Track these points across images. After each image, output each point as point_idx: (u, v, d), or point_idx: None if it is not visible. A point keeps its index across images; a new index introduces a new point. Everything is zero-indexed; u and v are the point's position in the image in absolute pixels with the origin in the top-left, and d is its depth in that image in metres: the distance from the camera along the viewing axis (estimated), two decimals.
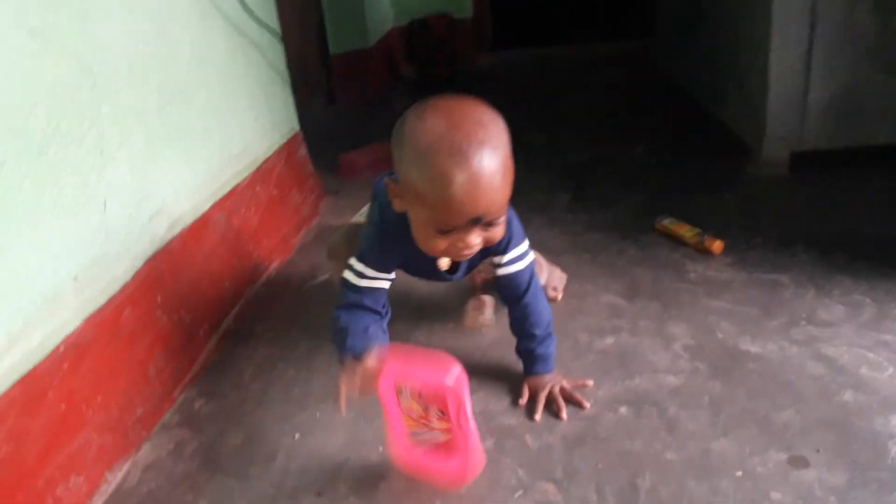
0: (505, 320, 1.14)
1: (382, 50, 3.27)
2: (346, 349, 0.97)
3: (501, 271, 1.07)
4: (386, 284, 1.06)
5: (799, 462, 0.91)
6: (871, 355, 1.12)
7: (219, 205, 1.47)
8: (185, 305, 1.26)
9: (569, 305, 1.33)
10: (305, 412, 1.10)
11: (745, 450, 0.94)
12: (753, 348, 1.16)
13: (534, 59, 3.84)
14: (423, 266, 1.09)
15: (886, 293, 1.28)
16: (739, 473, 0.90)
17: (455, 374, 0.86)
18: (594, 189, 1.94)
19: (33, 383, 0.91)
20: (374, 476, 0.95)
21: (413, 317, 1.34)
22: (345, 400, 0.92)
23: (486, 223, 0.88)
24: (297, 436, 1.05)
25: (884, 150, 1.86)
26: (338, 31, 2.92)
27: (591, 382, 1.10)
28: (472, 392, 1.10)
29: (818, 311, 1.25)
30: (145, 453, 1.04)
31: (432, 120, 0.85)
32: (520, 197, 0.99)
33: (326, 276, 1.54)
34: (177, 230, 1.31)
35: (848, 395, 1.03)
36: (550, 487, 0.91)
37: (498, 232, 0.92)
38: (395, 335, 1.08)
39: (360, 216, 1.32)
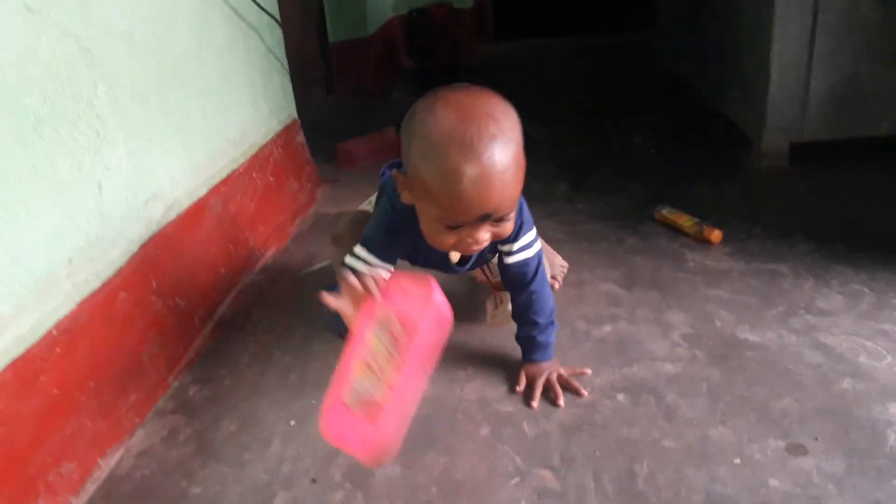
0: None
1: (382, 39, 3.25)
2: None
3: (511, 259, 1.05)
4: (385, 274, 1.05)
5: (797, 449, 0.91)
6: (869, 344, 1.11)
7: (215, 190, 1.46)
8: (181, 291, 1.25)
9: (567, 294, 1.32)
10: (301, 399, 1.09)
11: (744, 437, 0.93)
12: (752, 337, 1.16)
13: (534, 50, 3.82)
14: (430, 257, 1.07)
15: (886, 283, 1.28)
16: (738, 461, 0.89)
17: (440, 301, 0.79)
18: (593, 179, 1.94)
19: (25, 367, 0.90)
20: None
21: None
22: (332, 300, 0.85)
23: (497, 219, 0.87)
24: (292, 423, 1.04)
25: (884, 141, 1.85)
26: (337, 19, 2.90)
27: (588, 371, 1.09)
28: (469, 379, 1.11)
29: (817, 300, 1.25)
30: (139, 440, 1.04)
31: (443, 112, 0.82)
32: None
33: (323, 263, 1.53)
34: (172, 215, 1.30)
35: (846, 384, 1.03)
36: (548, 474, 0.90)
37: (508, 227, 0.91)
38: None
39: (368, 204, 1.31)
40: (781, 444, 0.92)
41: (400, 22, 3.51)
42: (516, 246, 1.04)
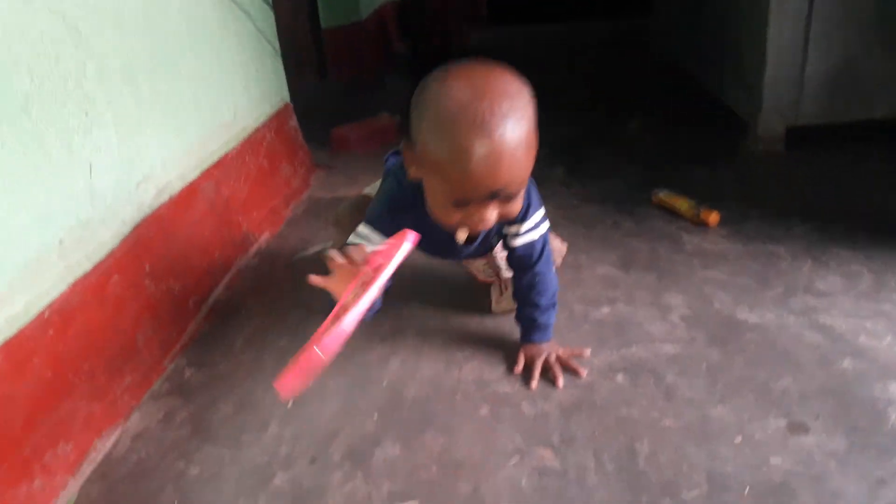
0: None
1: (375, 24, 3.22)
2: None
3: (517, 242, 1.04)
4: (373, 247, 1.03)
5: (798, 428, 0.90)
6: (869, 324, 1.11)
7: (207, 174, 1.44)
8: (174, 274, 1.23)
9: (564, 277, 1.31)
10: None
11: (744, 416, 0.93)
12: (751, 318, 1.15)
13: (529, 36, 3.80)
14: (435, 237, 1.05)
15: (884, 263, 1.28)
16: (739, 439, 0.89)
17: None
18: (589, 163, 1.93)
19: (18, 349, 0.89)
20: (368, 442, 0.93)
21: (406, 293, 1.31)
22: (319, 280, 0.81)
23: (504, 197, 0.85)
24: (290, 404, 1.03)
25: (881, 125, 1.85)
26: (329, 4, 2.87)
27: (587, 351, 1.08)
28: (467, 360, 1.10)
29: (815, 281, 1.25)
30: (135, 422, 1.02)
31: (456, 87, 0.80)
32: None
33: (318, 248, 1.51)
34: (165, 198, 1.28)
35: (847, 363, 1.02)
36: (547, 453, 0.89)
37: (515, 207, 0.89)
38: (386, 308, 1.05)
39: (370, 189, 1.29)
40: (782, 422, 0.92)
41: (393, 7, 3.49)
42: (524, 227, 1.02)
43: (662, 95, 2.55)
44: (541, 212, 1.04)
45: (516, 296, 1.09)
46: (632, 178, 1.78)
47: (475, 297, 1.25)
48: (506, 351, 1.11)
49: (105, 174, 1.12)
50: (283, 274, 1.44)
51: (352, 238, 1.02)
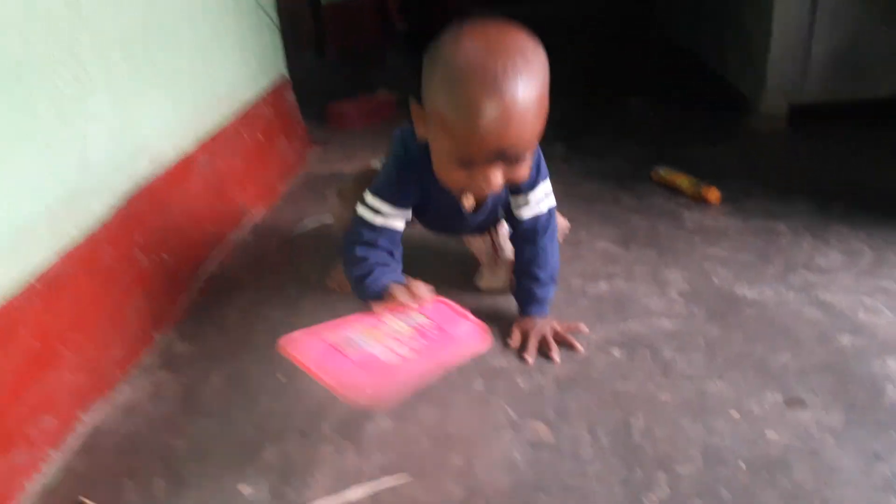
0: None
1: (374, 0, 3.18)
2: (371, 291, 0.94)
3: (526, 213, 1.03)
4: (400, 224, 1.02)
5: (796, 403, 0.89)
6: (868, 300, 1.09)
7: (203, 147, 1.42)
8: (167, 247, 1.22)
9: (563, 253, 1.28)
10: None
11: (742, 391, 0.92)
12: (750, 294, 1.14)
13: (531, 13, 3.74)
14: (442, 207, 1.04)
15: (884, 241, 1.26)
16: (736, 414, 0.88)
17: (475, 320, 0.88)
18: (590, 140, 1.90)
19: (4, 318, 0.87)
20: (361, 417, 0.92)
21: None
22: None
23: (512, 159, 0.83)
24: (281, 378, 1.02)
25: (885, 104, 1.82)
26: None
27: (584, 326, 1.07)
28: None
29: (815, 258, 1.23)
30: (124, 395, 1.01)
31: (470, 43, 0.79)
32: None
33: (314, 224, 1.50)
34: (159, 170, 1.26)
35: (845, 339, 1.01)
36: (542, 427, 0.88)
37: (522, 171, 0.87)
38: None
39: (377, 162, 1.28)
40: (780, 397, 0.90)
41: None
42: (532, 198, 1.01)
43: (664, 72, 2.51)
44: (547, 183, 1.03)
45: (516, 270, 1.08)
46: (633, 156, 1.75)
47: (471, 271, 1.23)
48: (501, 325, 1.09)
49: (98, 144, 1.10)
50: (278, 249, 1.42)
51: (361, 210, 1.01)
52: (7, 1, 0.91)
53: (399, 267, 1.02)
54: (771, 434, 0.84)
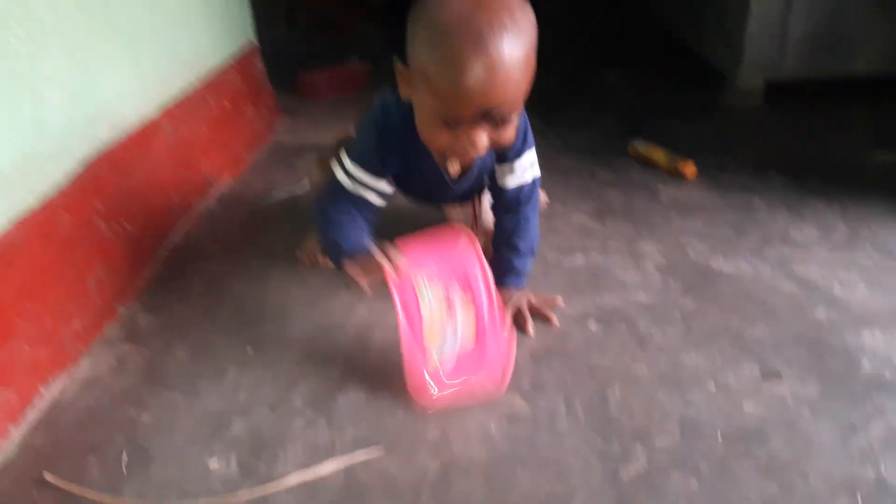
0: None
1: None
2: (346, 247, 0.94)
3: (510, 182, 1.01)
4: (378, 199, 0.99)
5: (772, 375, 0.89)
6: (842, 274, 1.10)
7: (167, 113, 1.36)
8: (129, 216, 1.17)
9: (540, 226, 1.28)
10: (259, 327, 1.03)
11: (717, 363, 0.91)
12: (726, 267, 1.13)
13: None
14: (425, 173, 1.01)
15: (858, 216, 1.27)
16: (712, 386, 0.87)
17: (465, 234, 0.87)
18: (567, 114, 1.88)
19: None
20: (332, 388, 0.90)
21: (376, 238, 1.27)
22: (366, 282, 0.90)
23: (497, 119, 0.81)
24: (249, 351, 0.99)
25: (861, 81, 1.83)
26: None
27: (560, 299, 1.05)
28: None
29: (791, 231, 1.23)
30: (84, 368, 0.97)
31: (455, 1, 0.76)
32: None
33: (283, 195, 1.46)
34: (120, 135, 1.20)
35: (820, 312, 1.01)
36: (517, 400, 0.86)
37: (508, 133, 0.85)
38: None
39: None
40: (756, 370, 0.90)
41: None
42: (517, 166, 0.99)
43: (641, 47, 2.50)
44: (533, 152, 1.01)
45: (495, 239, 1.06)
46: (609, 130, 1.74)
47: None
48: None
49: (54, 105, 1.03)
50: (244, 219, 1.37)
51: (338, 172, 0.97)
52: None
53: (371, 233, 0.99)
54: (748, 406, 0.84)
